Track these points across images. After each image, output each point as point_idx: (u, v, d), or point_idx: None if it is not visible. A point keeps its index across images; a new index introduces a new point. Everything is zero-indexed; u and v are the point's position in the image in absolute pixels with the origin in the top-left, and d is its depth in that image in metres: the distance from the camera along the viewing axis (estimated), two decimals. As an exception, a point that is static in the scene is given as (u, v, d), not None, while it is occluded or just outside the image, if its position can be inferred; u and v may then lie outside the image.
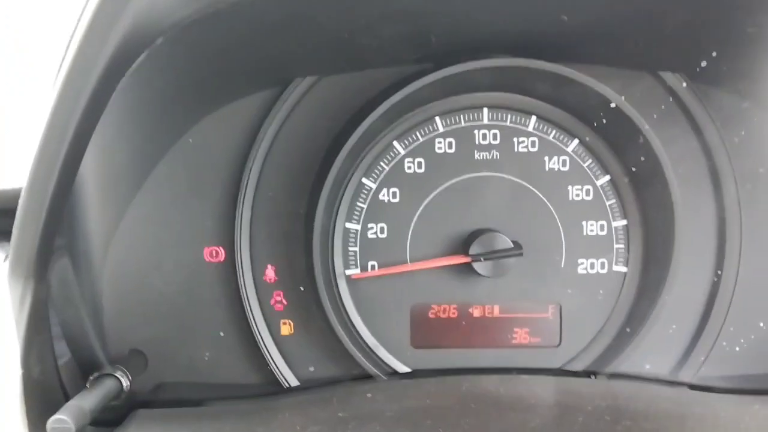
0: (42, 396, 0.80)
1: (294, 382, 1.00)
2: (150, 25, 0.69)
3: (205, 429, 0.84)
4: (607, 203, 1.03)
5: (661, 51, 0.95)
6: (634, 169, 1.00)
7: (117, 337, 0.99)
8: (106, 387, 0.89)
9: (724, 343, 0.99)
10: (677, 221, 0.96)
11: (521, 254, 1.00)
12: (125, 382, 0.93)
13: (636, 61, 0.98)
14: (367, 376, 1.00)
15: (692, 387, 0.99)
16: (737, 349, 0.98)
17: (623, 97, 0.95)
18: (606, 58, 0.98)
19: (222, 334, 1.00)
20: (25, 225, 0.76)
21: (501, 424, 0.78)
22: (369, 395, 0.92)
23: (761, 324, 0.98)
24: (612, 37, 0.94)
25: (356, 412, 0.86)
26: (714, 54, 0.92)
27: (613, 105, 0.95)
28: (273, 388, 1.01)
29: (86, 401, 0.81)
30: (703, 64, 0.94)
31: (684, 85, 0.98)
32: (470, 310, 1.04)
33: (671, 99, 0.99)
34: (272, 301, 1.02)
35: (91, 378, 0.92)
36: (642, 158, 0.97)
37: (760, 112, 0.99)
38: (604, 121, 0.98)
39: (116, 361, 0.97)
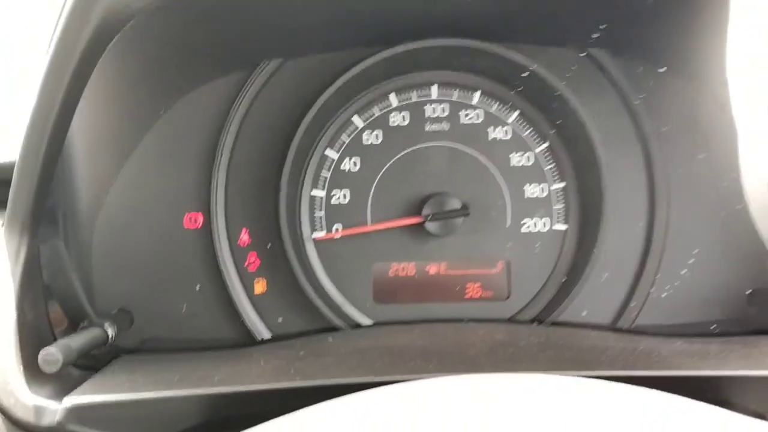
0: (34, 336, 0.85)
1: (267, 335, 1.06)
2: (120, 10, 0.75)
3: (180, 367, 0.89)
4: (546, 168, 1.10)
5: (576, 25, 1.01)
6: (564, 132, 1.06)
7: (104, 295, 1.04)
8: (93, 334, 0.94)
9: (654, 292, 1.04)
10: (604, 178, 1.02)
11: (468, 214, 1.07)
12: (111, 332, 0.98)
13: (558, 38, 1.05)
14: (333, 329, 1.05)
15: (629, 332, 1.03)
16: (664, 296, 1.04)
17: (541, 64, 1.02)
18: (533, 37, 1.04)
19: (198, 287, 1.05)
20: (19, 186, 0.83)
21: (441, 355, 0.85)
22: (330, 339, 0.99)
23: (683, 271, 1.03)
24: (535, 17, 1.00)
25: (315, 351, 0.93)
26: (618, 25, 0.98)
27: (531, 68, 1.01)
28: (247, 340, 1.06)
29: (74, 341, 0.86)
30: (618, 35, 0.99)
31: (603, 53, 1.03)
32: (427, 268, 1.10)
33: (593, 66, 1.05)
34: (246, 263, 1.08)
35: (80, 327, 0.98)
36: (567, 119, 1.03)
37: (675, 75, 1.04)
38: (525, 83, 1.04)
39: (104, 318, 1.01)
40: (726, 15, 0.95)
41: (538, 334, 0.99)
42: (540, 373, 0.63)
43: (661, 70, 1.05)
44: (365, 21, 1.01)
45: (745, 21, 0.95)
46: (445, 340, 0.99)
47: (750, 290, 1.03)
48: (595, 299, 1.05)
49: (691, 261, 1.03)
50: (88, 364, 0.92)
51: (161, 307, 1.07)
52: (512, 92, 1.08)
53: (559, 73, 1.04)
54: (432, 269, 1.11)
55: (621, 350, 0.90)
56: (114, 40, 0.81)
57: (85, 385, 0.80)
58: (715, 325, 1.01)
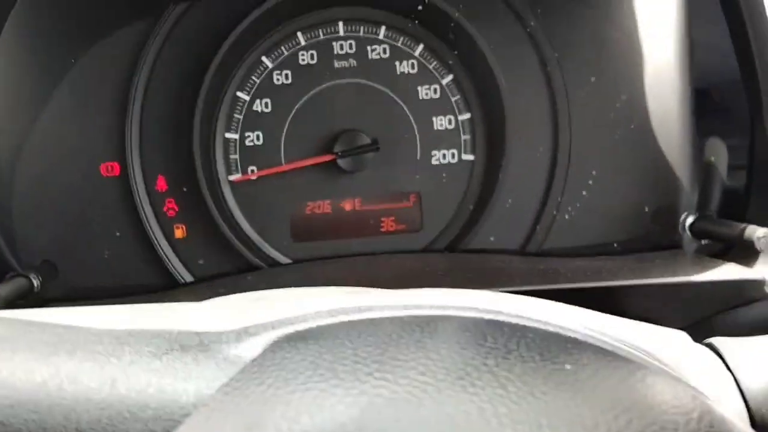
0: None
1: (190, 278, 1.05)
2: None
3: (99, 309, 0.95)
4: (453, 99, 1.06)
5: None
6: (465, 62, 1.03)
7: (27, 247, 1.02)
8: (19, 283, 0.93)
9: (559, 216, 1.03)
10: (506, 107, 1.00)
11: (377, 149, 1.03)
12: (36, 282, 0.96)
13: None
14: (254, 269, 1.04)
15: (536, 256, 1.02)
16: (567, 217, 1.03)
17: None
18: None
19: (118, 234, 1.04)
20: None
21: (352, 282, 0.84)
22: (249, 278, 0.99)
23: (584, 193, 1.02)
24: None
25: (234, 289, 0.97)
26: None
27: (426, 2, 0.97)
28: (171, 285, 1.05)
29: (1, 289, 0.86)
30: None
31: None
32: (342, 204, 1.08)
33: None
34: (165, 208, 1.06)
35: (5, 278, 0.96)
36: (466, 51, 1.01)
37: (584, 7, 1.01)
38: (429, 19, 1.01)
39: (29, 269, 0.99)
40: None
41: (447, 260, 0.99)
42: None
43: None
44: None
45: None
46: (359, 273, 0.98)
47: (649, 208, 1.02)
48: (503, 225, 1.04)
49: (590, 182, 1.01)
50: None
51: (84, 256, 1.05)
52: (414, 24, 1.03)
53: (454, 2, 0.99)
54: (347, 205, 1.08)
55: (523, 270, 0.93)
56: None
57: None
58: (616, 245, 1.01)
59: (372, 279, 0.91)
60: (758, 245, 0.78)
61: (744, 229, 0.81)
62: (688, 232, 0.94)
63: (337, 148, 1.04)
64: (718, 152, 1.01)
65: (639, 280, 0.82)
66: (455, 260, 0.97)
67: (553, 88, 1.01)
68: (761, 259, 0.82)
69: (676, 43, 1.00)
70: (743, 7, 0.80)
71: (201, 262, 1.05)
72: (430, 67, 1.06)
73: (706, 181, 0.97)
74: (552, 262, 0.96)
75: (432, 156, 1.07)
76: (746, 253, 0.84)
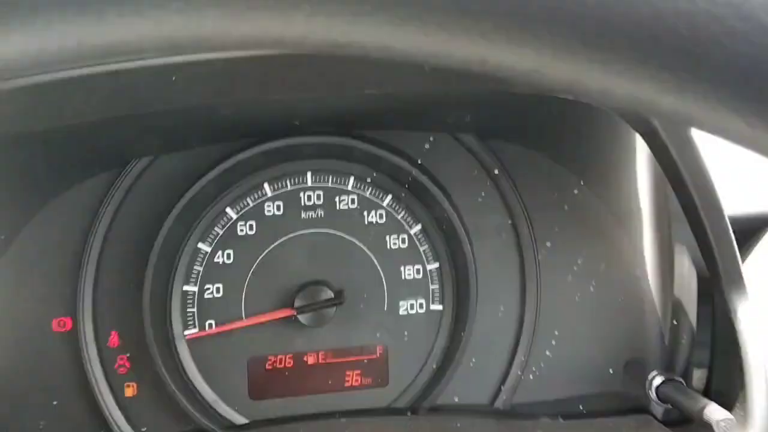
0: None
1: None
2: None
3: None
4: (421, 249, 1.05)
5: (449, 117, 0.99)
6: (436, 218, 1.03)
7: None
8: None
9: (520, 373, 1.00)
10: (472, 267, 0.99)
11: (341, 303, 0.99)
12: None
13: (432, 125, 1.02)
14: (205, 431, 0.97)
15: (505, 415, 0.99)
16: (531, 377, 1.00)
17: (419, 160, 0.99)
18: (406, 123, 1.02)
19: (55, 402, 0.95)
20: None
21: None
22: None
23: (548, 353, 1.01)
24: (405, 114, 0.99)
25: None
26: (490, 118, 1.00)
27: (414, 170, 0.98)
28: None
29: None
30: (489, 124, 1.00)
31: (475, 142, 1.02)
32: (305, 358, 1.02)
33: (468, 154, 1.03)
34: (116, 365, 0.98)
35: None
36: (433, 207, 1.01)
37: (552, 163, 1.04)
38: (404, 180, 1.02)
39: None
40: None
41: (413, 425, 0.95)
42: None
43: (531, 152, 1.03)
44: (239, 119, 0.94)
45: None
46: None
47: (622, 366, 1.00)
48: (468, 383, 1.01)
49: (553, 342, 1.00)
50: None
51: (22, 418, 0.96)
52: (385, 179, 1.03)
53: (432, 165, 1.00)
54: (310, 359, 1.03)
55: None
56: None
57: None
58: (581, 405, 0.97)
59: None
60: (717, 430, 0.76)
61: (704, 407, 0.80)
62: (654, 394, 0.92)
63: (298, 303, 0.99)
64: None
65: None
66: (421, 426, 0.92)
67: (521, 248, 1.01)
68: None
69: (648, 202, 1.01)
70: (690, 187, 0.82)
71: (144, 430, 0.97)
72: (399, 217, 1.05)
73: (674, 341, 0.96)
74: (520, 427, 0.91)
75: (399, 306, 1.04)
76: (707, 429, 0.82)
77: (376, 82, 0.81)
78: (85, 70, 0.73)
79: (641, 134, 0.86)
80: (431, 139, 1.03)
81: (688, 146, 0.82)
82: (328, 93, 0.86)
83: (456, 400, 0.99)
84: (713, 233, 0.81)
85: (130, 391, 0.99)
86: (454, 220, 0.98)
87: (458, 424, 0.92)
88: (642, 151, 0.98)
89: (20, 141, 0.84)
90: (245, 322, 1.00)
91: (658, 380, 0.92)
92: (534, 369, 1.00)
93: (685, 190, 0.84)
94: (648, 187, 0.98)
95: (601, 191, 1.02)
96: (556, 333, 1.00)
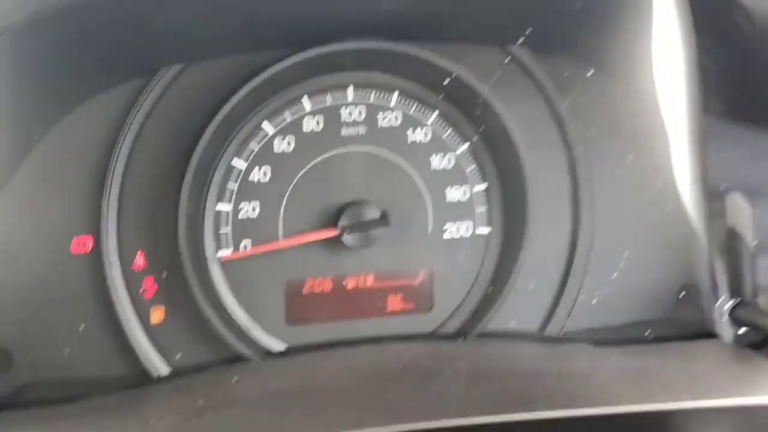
0: None
1: (165, 370, 0.90)
2: None
3: (54, 429, 0.73)
4: (467, 169, 0.99)
5: (503, 24, 0.92)
6: (486, 135, 0.96)
7: None
8: None
9: (582, 297, 0.95)
10: (528, 183, 0.93)
11: (387, 224, 0.93)
12: None
13: (483, 35, 0.95)
14: (242, 358, 0.90)
15: (559, 341, 0.94)
16: (594, 302, 0.95)
17: (465, 69, 0.92)
18: (457, 34, 0.94)
19: (82, 326, 0.89)
20: None
21: (358, 398, 0.72)
22: (235, 379, 0.83)
23: (613, 276, 0.95)
24: (460, 16, 0.91)
25: (217, 398, 0.78)
26: (545, 24, 0.90)
27: (453, 75, 0.92)
28: (144, 379, 0.90)
29: None
30: (544, 34, 0.91)
31: (528, 54, 0.96)
32: (344, 282, 0.97)
33: (518, 69, 0.96)
34: (141, 290, 0.92)
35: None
36: (491, 124, 0.94)
37: (603, 78, 0.97)
38: (454, 92, 0.94)
39: None
40: (651, 16, 0.93)
41: (466, 357, 0.87)
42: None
43: (589, 74, 0.96)
44: (275, 24, 0.87)
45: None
46: (365, 375, 0.83)
47: (682, 290, 0.96)
48: (521, 308, 0.95)
49: (621, 264, 0.95)
50: None
51: (44, 345, 0.89)
52: (432, 94, 0.96)
53: (482, 78, 0.93)
54: (350, 283, 0.97)
55: (557, 376, 0.79)
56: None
57: None
58: (649, 331, 0.92)
59: (379, 388, 0.77)
60: None
61: None
62: (726, 319, 0.88)
63: (342, 223, 0.93)
64: (741, 214, 0.97)
65: (697, 402, 0.68)
66: (475, 357, 0.86)
67: (576, 167, 0.96)
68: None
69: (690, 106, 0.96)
70: None
71: (179, 356, 0.90)
72: (444, 136, 0.99)
73: (736, 256, 0.91)
74: (584, 359, 0.86)
75: (444, 229, 0.98)
76: None
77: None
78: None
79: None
80: (500, 64, 0.95)
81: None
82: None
83: (505, 326, 0.94)
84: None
85: (157, 317, 0.92)
86: (512, 132, 0.92)
87: (509, 351, 0.87)
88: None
89: (44, 39, 0.76)
90: (284, 243, 0.94)
91: (730, 303, 0.87)
92: (588, 293, 0.95)
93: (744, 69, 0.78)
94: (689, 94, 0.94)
95: (646, 99, 0.96)
96: (612, 254, 0.95)
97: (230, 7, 0.82)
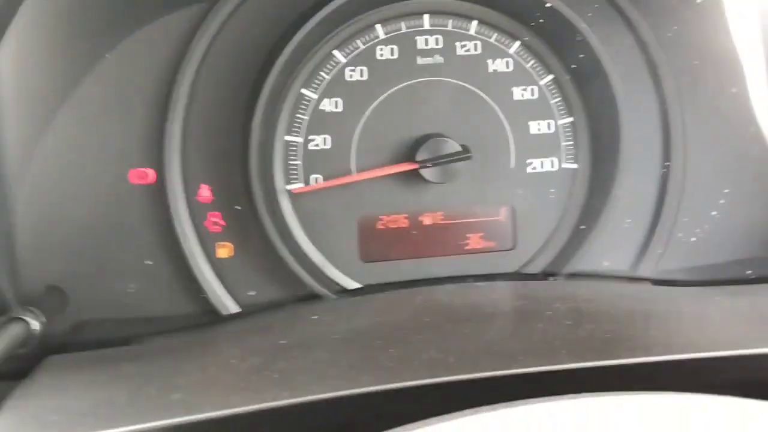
0: None
1: (234, 308, 0.85)
2: None
3: (127, 371, 0.66)
4: (552, 102, 0.93)
5: None
6: (575, 67, 0.90)
7: (32, 273, 0.81)
8: (10, 333, 0.71)
9: (680, 234, 0.89)
10: (621, 115, 0.87)
11: (469, 157, 0.88)
12: (35, 325, 0.74)
13: None
14: (315, 296, 0.85)
15: (653, 282, 0.88)
16: (693, 239, 0.89)
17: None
18: None
19: (150, 262, 0.84)
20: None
21: (455, 339, 0.66)
22: (315, 317, 0.77)
23: (714, 213, 0.89)
24: None
25: (300, 337, 0.72)
26: None
27: (548, 5, 0.86)
28: (211, 317, 0.84)
29: None
30: None
31: None
32: (420, 218, 0.91)
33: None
34: (207, 223, 0.86)
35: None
36: (581, 56, 0.88)
37: (688, 8, 0.91)
38: (542, 21, 0.89)
39: (30, 302, 0.77)
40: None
41: (561, 295, 0.80)
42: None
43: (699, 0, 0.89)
44: None
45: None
46: (455, 314, 0.77)
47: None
48: (612, 246, 0.89)
49: (721, 201, 0.88)
50: (6, 369, 0.66)
51: (103, 282, 0.84)
52: (516, 24, 0.91)
53: (581, 10, 0.87)
54: (426, 220, 0.91)
55: (667, 318, 0.72)
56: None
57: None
58: (750, 271, 0.85)
59: (475, 327, 0.71)
60: None
61: None
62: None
63: (421, 156, 0.87)
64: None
65: None
66: (571, 296, 0.78)
67: (665, 97, 0.89)
68: None
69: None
70: None
71: (252, 293, 0.85)
72: (527, 66, 0.93)
73: None
74: (690, 296, 0.79)
75: (528, 164, 0.92)
76: None
77: None
78: None
79: None
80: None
81: None
82: None
83: (596, 266, 0.87)
84: None
85: (224, 252, 0.87)
86: (605, 63, 0.86)
87: (607, 291, 0.81)
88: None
89: None
90: (357, 177, 0.88)
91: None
92: (686, 230, 0.88)
93: None
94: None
95: (752, 30, 0.89)
96: (711, 190, 0.88)
97: None
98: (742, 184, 0.89)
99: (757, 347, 0.58)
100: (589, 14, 0.89)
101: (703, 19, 0.89)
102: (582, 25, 0.87)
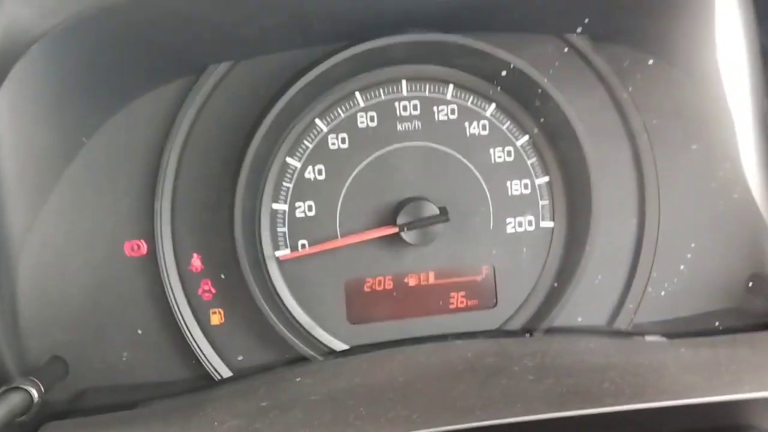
0: None
1: (226, 373, 0.88)
2: (15, 38, 0.64)
3: None
4: (529, 162, 0.95)
5: (560, 13, 0.88)
6: (546, 127, 0.93)
7: (33, 344, 0.84)
8: (11, 403, 0.73)
9: (650, 289, 0.91)
10: (592, 174, 0.89)
11: (447, 220, 0.90)
12: (36, 394, 0.76)
13: (541, 25, 0.91)
14: (304, 358, 0.88)
15: (627, 335, 0.91)
16: (663, 293, 0.91)
17: (524, 60, 0.89)
18: (514, 24, 0.91)
19: (140, 331, 0.88)
20: None
21: (422, 397, 0.69)
22: (298, 379, 0.80)
23: (682, 267, 0.91)
24: (517, 5, 0.88)
25: (281, 399, 0.76)
26: (603, 13, 0.87)
27: (512, 66, 0.88)
28: (205, 381, 0.88)
29: None
30: (603, 23, 0.88)
31: (587, 44, 0.92)
32: (405, 279, 0.93)
33: (577, 58, 0.93)
34: (200, 291, 0.89)
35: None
36: (551, 115, 0.90)
37: (664, 65, 0.94)
38: (510, 82, 0.91)
39: (30, 371, 0.80)
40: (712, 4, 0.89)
41: (532, 351, 0.82)
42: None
43: (650, 62, 0.93)
44: (325, 19, 0.84)
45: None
46: (429, 373, 0.80)
47: (751, 279, 0.91)
48: (589, 302, 0.92)
49: (689, 255, 0.91)
50: None
51: (102, 350, 0.87)
52: (489, 86, 0.93)
53: (541, 68, 0.89)
54: (411, 281, 0.94)
55: (625, 370, 0.77)
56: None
57: None
58: (718, 323, 0.88)
59: (444, 387, 0.74)
60: None
61: None
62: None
63: (401, 220, 0.90)
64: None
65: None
66: (541, 352, 0.80)
67: (640, 157, 0.92)
68: None
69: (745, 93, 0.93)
70: None
71: (240, 358, 0.88)
72: (503, 127, 0.95)
73: None
74: (652, 351, 0.82)
75: (507, 223, 0.95)
76: None
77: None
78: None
79: None
80: (559, 54, 0.92)
81: None
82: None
83: (572, 321, 0.90)
84: None
85: (216, 319, 0.90)
86: (574, 123, 0.88)
87: (589, 344, 0.84)
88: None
89: (88, 39, 0.74)
90: (342, 241, 0.91)
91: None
92: (656, 285, 0.91)
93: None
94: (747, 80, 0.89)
95: (709, 87, 0.92)
96: (680, 245, 0.91)
97: (278, 5, 0.79)
98: (708, 239, 0.91)
99: (704, 396, 0.61)
100: (551, 71, 0.92)
101: (656, 80, 0.92)
102: (546, 84, 0.89)
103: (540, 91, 0.88)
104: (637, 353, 0.82)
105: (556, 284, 0.92)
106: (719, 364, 0.75)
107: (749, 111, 0.90)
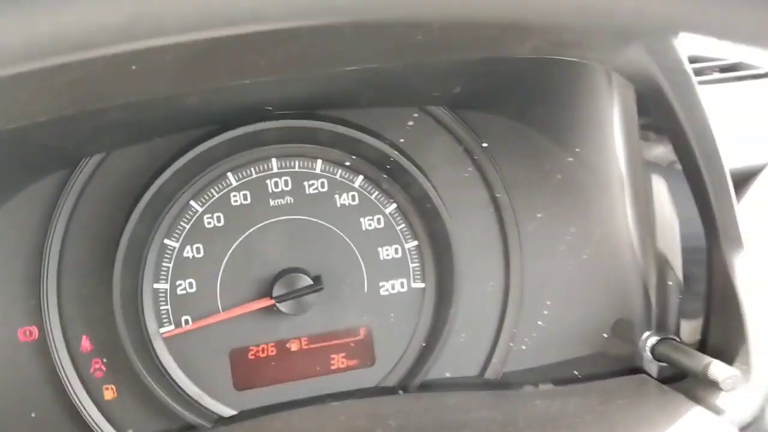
0: None
1: None
2: None
3: None
4: (398, 228, 1.00)
5: (424, 90, 0.93)
6: (412, 196, 0.97)
7: None
8: None
9: (512, 344, 0.98)
10: (453, 242, 0.94)
11: (321, 288, 0.95)
12: None
13: (403, 99, 0.96)
14: (194, 427, 0.94)
15: (494, 387, 0.98)
16: (524, 347, 0.98)
17: (371, 137, 0.93)
18: (379, 101, 0.96)
19: (33, 414, 0.92)
20: None
21: None
22: None
23: (540, 323, 0.98)
24: (381, 86, 0.91)
25: None
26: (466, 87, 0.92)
27: (364, 141, 0.93)
28: None
29: None
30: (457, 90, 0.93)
31: (447, 114, 0.97)
32: (287, 345, 0.98)
33: (442, 129, 0.98)
34: (91, 370, 0.94)
35: None
36: (412, 187, 0.95)
37: (532, 132, 0.98)
38: (374, 157, 0.95)
39: None
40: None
41: (403, 410, 0.89)
42: None
43: (509, 123, 0.98)
44: (199, 107, 0.86)
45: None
46: (312, 424, 0.88)
47: (613, 326, 0.98)
48: (457, 358, 0.98)
49: (545, 312, 0.97)
50: None
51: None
52: (356, 159, 0.97)
53: (394, 136, 0.94)
54: (293, 346, 0.99)
55: (475, 428, 0.82)
56: None
57: None
58: (575, 370, 0.95)
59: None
60: (723, 386, 0.74)
61: (708, 365, 0.77)
62: (649, 354, 0.89)
63: (276, 292, 0.94)
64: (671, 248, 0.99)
65: None
66: (411, 410, 0.88)
67: (503, 221, 0.97)
68: (722, 395, 0.79)
69: (627, 165, 0.95)
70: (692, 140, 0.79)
71: (130, 431, 0.94)
72: (372, 197, 0.99)
73: (663, 291, 0.92)
74: (511, 404, 0.89)
75: (380, 287, 0.99)
76: (707, 384, 0.81)
77: (359, 58, 0.73)
78: (35, 64, 0.66)
79: (642, 93, 0.80)
80: (414, 115, 0.97)
81: (693, 103, 0.77)
82: (305, 73, 0.78)
83: (446, 374, 0.96)
84: (713, 189, 0.78)
85: (109, 394, 0.95)
86: (432, 196, 0.92)
87: (452, 400, 0.91)
88: (618, 113, 0.93)
89: None
90: (223, 316, 0.95)
91: (653, 340, 0.89)
92: (523, 338, 0.97)
93: (687, 145, 0.78)
94: (626, 149, 0.94)
95: (582, 156, 0.97)
96: (544, 301, 0.97)
97: (151, 103, 0.82)
98: (566, 294, 0.98)
99: None
100: (402, 140, 0.96)
101: (518, 140, 0.97)
102: (395, 153, 0.93)
103: (392, 162, 0.93)
104: (494, 408, 0.89)
105: (424, 344, 0.98)
106: (564, 417, 0.83)
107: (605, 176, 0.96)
